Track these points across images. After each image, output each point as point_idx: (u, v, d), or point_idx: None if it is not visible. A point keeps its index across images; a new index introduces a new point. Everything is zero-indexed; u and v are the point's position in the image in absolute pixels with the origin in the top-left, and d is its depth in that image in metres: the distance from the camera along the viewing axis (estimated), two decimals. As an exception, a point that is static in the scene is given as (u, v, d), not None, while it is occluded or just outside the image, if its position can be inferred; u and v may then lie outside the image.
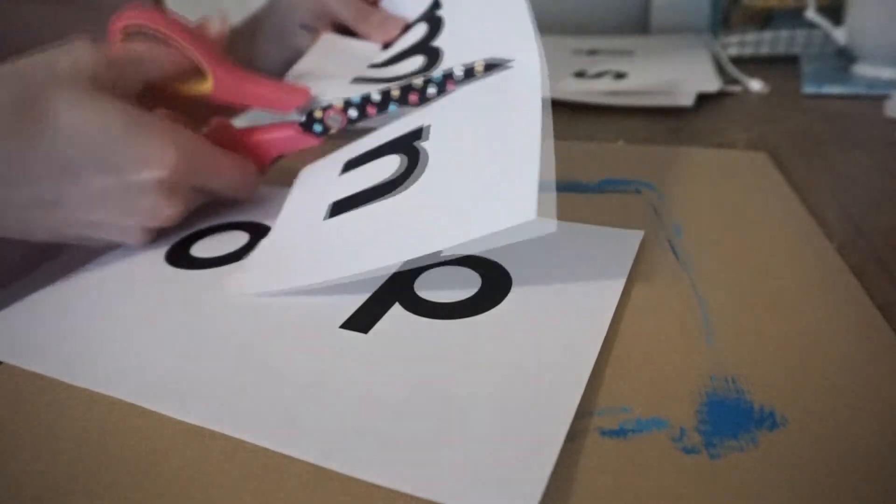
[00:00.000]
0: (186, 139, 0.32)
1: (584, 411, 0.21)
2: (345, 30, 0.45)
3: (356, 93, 0.37)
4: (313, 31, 0.47)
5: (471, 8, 0.39)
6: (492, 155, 0.28)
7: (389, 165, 0.33)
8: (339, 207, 0.32)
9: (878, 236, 0.32)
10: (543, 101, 0.29)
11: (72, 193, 0.30)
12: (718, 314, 0.26)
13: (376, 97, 0.36)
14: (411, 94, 0.36)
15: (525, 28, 0.34)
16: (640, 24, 0.82)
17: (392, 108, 0.36)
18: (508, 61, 0.34)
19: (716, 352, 0.24)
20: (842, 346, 0.24)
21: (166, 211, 0.32)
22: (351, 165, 0.36)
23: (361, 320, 0.27)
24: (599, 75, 0.62)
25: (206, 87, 0.36)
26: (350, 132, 0.39)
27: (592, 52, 0.71)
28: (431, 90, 0.36)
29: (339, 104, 0.36)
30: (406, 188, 0.30)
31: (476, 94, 0.34)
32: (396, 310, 0.27)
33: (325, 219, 0.32)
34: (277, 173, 0.45)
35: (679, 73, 0.61)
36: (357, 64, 0.43)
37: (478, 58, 0.35)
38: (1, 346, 0.27)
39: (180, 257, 0.34)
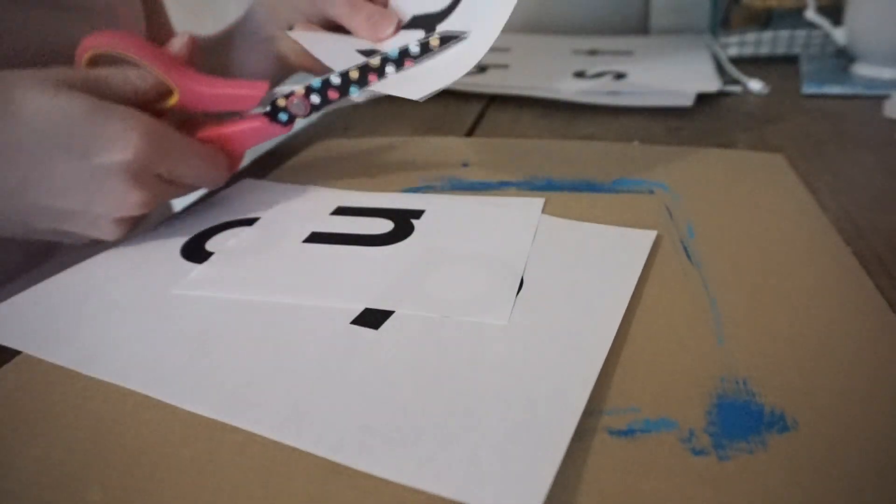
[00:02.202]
0: (152, 124, 0.32)
1: (592, 410, 0.22)
2: (337, 27, 0.44)
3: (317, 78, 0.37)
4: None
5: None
6: (479, 259, 0.31)
7: (381, 226, 0.35)
8: (318, 237, 0.34)
9: (878, 236, 0.32)
10: None
11: (38, 179, 0.31)
12: (730, 315, 0.26)
13: (336, 80, 0.37)
14: (370, 75, 0.36)
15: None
16: (640, 25, 0.83)
17: (353, 90, 0.37)
18: (463, 33, 0.35)
19: (726, 353, 0.24)
20: (855, 349, 0.24)
21: (131, 197, 0.32)
22: (343, 211, 0.37)
23: (372, 317, 0.27)
24: (599, 75, 0.62)
25: (173, 99, 0.36)
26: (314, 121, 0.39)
27: (592, 52, 0.72)
28: (390, 68, 0.36)
29: (300, 90, 0.37)
30: (388, 246, 0.33)
31: (480, 204, 0.37)
32: (407, 307, 0.28)
33: (302, 241, 0.34)
34: (294, 171, 0.45)
35: (679, 73, 0.61)
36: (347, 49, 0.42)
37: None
38: (20, 336, 0.28)
39: (196, 252, 0.34)
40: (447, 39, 0.35)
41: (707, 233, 0.33)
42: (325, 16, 0.44)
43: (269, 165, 0.46)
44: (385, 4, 0.44)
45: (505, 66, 0.68)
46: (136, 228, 0.36)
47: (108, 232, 0.34)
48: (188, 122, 0.37)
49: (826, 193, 0.37)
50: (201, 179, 0.36)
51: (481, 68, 0.67)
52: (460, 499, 0.18)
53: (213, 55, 0.53)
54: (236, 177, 0.45)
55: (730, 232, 0.33)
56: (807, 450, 0.20)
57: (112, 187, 0.31)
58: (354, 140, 0.51)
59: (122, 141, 0.31)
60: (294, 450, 0.21)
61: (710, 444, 0.20)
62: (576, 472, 0.19)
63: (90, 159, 0.31)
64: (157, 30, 0.55)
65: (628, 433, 0.21)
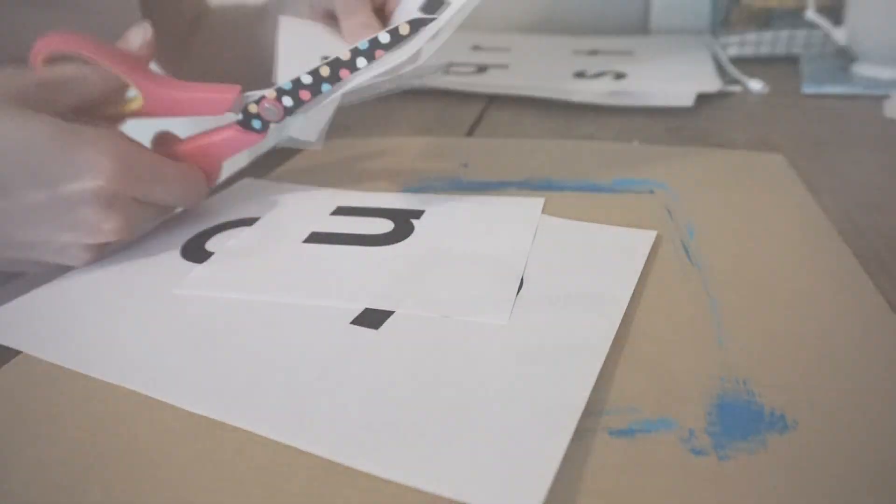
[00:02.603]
0: (123, 147, 0.30)
1: (592, 410, 0.22)
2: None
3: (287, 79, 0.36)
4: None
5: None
6: (479, 259, 0.31)
7: (381, 226, 0.35)
8: (318, 237, 0.34)
9: (878, 236, 0.32)
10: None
11: (3, 211, 0.29)
12: (730, 315, 0.26)
13: (306, 79, 0.35)
14: (341, 70, 0.35)
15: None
16: (640, 25, 0.83)
17: (325, 87, 0.36)
18: (431, 18, 0.34)
19: (727, 353, 0.24)
20: (855, 349, 0.24)
21: (105, 224, 0.30)
22: (343, 211, 0.37)
23: (372, 317, 0.27)
24: (599, 75, 0.62)
25: (137, 104, 0.35)
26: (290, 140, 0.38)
27: (592, 52, 0.71)
28: (361, 61, 0.35)
29: (271, 94, 0.36)
30: (388, 246, 0.33)
31: (480, 204, 0.37)
32: (407, 307, 0.28)
33: (302, 241, 0.34)
34: (294, 171, 0.45)
35: (679, 73, 0.61)
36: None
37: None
38: (20, 336, 0.28)
39: (196, 252, 0.34)
40: (417, 23, 0.34)
41: (707, 233, 0.33)
42: (329, 10, 0.43)
43: (269, 165, 0.46)
44: (386, 19, 0.43)
45: (505, 66, 0.68)
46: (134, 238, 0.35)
47: (78, 259, 0.32)
48: (160, 138, 0.37)
49: (826, 193, 0.37)
50: (179, 200, 0.35)
51: (481, 68, 0.67)
52: (460, 499, 0.18)
53: (252, 25, 0.53)
54: (236, 177, 0.45)
55: (730, 232, 0.33)
56: (807, 450, 0.20)
57: (84, 216, 0.30)
58: (354, 140, 0.51)
59: (93, 168, 0.29)
60: (294, 450, 0.21)
61: (710, 444, 0.20)
62: (576, 472, 0.19)
63: (59, 188, 0.29)
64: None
65: (628, 433, 0.21)
